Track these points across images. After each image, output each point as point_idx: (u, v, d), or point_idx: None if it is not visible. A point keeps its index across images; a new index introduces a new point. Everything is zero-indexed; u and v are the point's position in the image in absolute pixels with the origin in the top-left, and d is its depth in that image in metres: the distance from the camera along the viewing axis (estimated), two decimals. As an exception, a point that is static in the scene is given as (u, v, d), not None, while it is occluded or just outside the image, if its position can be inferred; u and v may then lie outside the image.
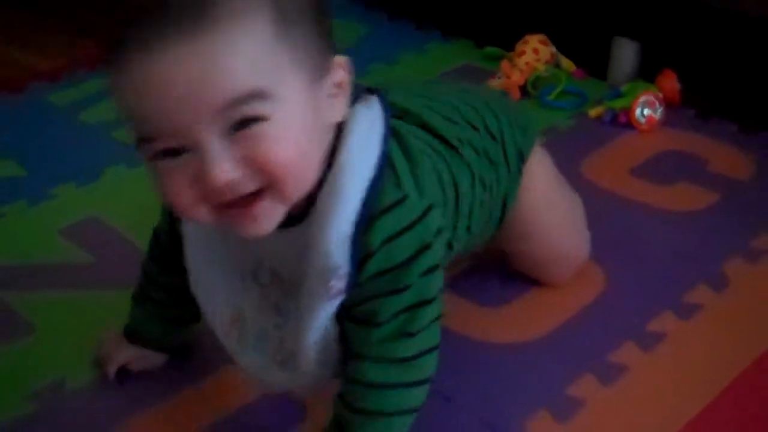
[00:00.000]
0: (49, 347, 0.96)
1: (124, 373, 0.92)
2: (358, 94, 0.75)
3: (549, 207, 0.98)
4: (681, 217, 1.16)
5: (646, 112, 1.36)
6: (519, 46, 1.49)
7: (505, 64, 1.47)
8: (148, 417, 0.88)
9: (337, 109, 0.71)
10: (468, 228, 0.88)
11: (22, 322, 1.00)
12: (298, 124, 0.66)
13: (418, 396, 0.78)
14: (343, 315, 0.76)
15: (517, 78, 1.45)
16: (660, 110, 1.36)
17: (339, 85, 0.71)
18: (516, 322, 0.99)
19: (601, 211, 1.11)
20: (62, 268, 1.09)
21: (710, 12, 1.42)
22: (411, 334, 0.75)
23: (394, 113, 0.79)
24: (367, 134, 0.73)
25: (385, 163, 0.73)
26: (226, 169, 0.64)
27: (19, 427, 0.87)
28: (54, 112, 1.46)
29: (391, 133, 0.75)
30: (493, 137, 0.90)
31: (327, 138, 0.71)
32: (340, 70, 0.71)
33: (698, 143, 1.33)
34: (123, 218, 1.17)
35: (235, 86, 0.62)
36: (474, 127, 0.89)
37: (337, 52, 0.71)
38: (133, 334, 0.92)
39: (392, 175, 0.73)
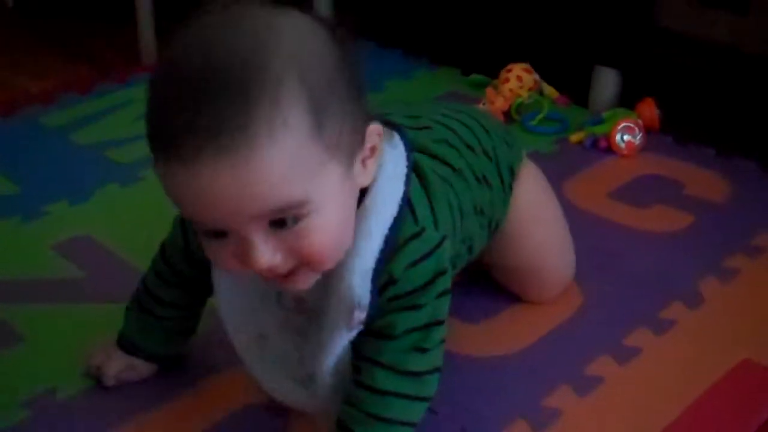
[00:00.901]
0: (39, 356, 0.98)
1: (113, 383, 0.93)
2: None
3: (536, 218, 1.00)
4: (657, 238, 1.19)
5: (625, 137, 1.39)
6: (503, 74, 1.52)
7: (489, 91, 1.51)
8: (137, 426, 0.89)
9: (368, 172, 0.74)
10: (470, 249, 0.91)
11: (12, 332, 1.01)
12: (337, 211, 0.70)
13: (418, 411, 0.81)
14: (356, 339, 0.79)
15: (500, 104, 1.49)
16: (639, 136, 1.40)
17: (372, 149, 0.73)
18: (495, 337, 1.01)
19: (580, 231, 1.13)
20: (54, 282, 1.10)
21: (687, 43, 1.47)
22: (424, 350, 0.79)
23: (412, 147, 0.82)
24: (392, 176, 0.77)
25: (406, 201, 0.77)
26: (267, 256, 0.68)
27: (11, 434, 0.88)
28: (46, 133, 1.47)
29: (413, 169, 0.79)
30: (488, 156, 0.93)
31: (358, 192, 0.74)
32: (375, 136, 0.73)
33: (675, 168, 1.36)
34: (114, 236, 1.19)
35: (273, 199, 0.65)
36: (471, 149, 0.91)
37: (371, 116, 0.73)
38: (128, 345, 0.93)
39: (410, 211, 0.77)
